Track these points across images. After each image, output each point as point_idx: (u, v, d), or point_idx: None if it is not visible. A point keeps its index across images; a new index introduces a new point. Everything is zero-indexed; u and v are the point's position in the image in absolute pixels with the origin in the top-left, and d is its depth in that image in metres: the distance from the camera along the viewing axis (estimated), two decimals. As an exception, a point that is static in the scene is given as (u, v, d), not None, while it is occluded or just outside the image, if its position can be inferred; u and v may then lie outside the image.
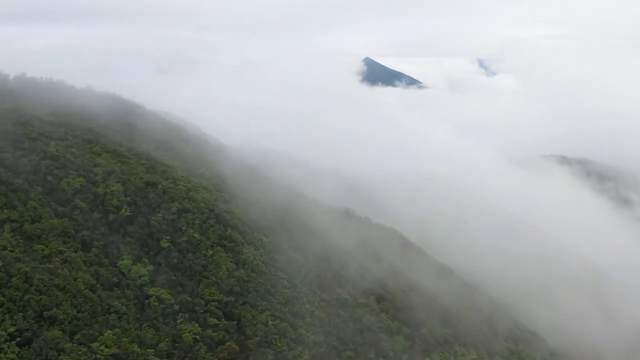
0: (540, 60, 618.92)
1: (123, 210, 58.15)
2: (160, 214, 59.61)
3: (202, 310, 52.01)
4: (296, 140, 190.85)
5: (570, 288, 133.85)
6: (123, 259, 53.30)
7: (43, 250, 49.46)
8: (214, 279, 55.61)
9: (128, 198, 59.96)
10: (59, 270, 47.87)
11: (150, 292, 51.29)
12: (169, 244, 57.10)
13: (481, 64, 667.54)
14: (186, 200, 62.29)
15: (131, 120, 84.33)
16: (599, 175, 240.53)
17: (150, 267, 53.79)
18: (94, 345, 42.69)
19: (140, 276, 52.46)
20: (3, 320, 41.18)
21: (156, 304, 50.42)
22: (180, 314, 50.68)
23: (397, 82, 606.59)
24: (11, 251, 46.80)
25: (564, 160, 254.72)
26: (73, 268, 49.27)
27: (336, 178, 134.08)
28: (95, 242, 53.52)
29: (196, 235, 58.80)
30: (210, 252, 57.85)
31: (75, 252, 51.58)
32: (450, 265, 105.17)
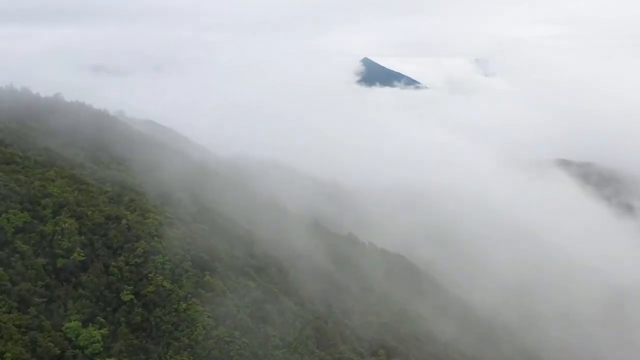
0: (540, 61, 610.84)
1: (75, 254, 47.06)
2: (123, 258, 48.55)
3: (169, 387, 41.09)
4: (288, 145, 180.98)
5: (584, 305, 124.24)
6: (71, 320, 42.27)
7: (-37, 314, 38.53)
8: (187, 341, 44.65)
9: (83, 237, 48.90)
10: (-19, 343, 36.98)
11: (104, 364, 40.31)
12: (132, 297, 46.08)
13: (480, 64, 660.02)
14: (156, 238, 51.23)
15: (103, 136, 73.11)
16: (601, 180, 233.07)
17: (106, 329, 42.76)
18: None
19: (91, 343, 41.44)
20: None
21: (110, 380, 39.49)
22: (141, 392, 39.84)
23: (395, 83, 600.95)
24: None
25: (566, 164, 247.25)
26: (1, 337, 38.37)
27: (329, 190, 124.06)
28: (36, 299, 42.54)
29: (166, 284, 47.75)
30: (184, 306, 46.81)
31: (9, 312, 40.67)
32: (450, 287, 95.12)
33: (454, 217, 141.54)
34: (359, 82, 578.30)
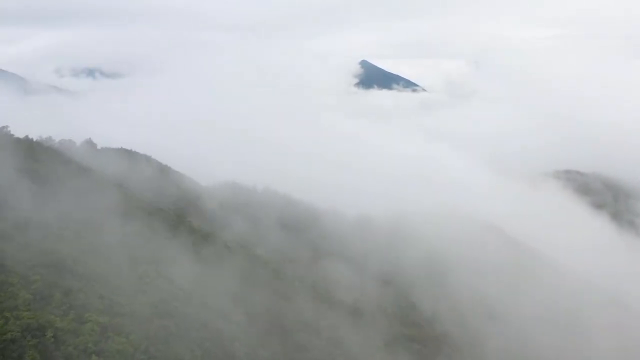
0: (540, 62, 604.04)
1: (-30, 397, 32.91)
2: (42, 395, 34.37)
3: None
4: (282, 164, 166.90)
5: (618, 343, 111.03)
6: None
7: None
8: None
9: (-15, 366, 34.66)
10: None
11: None
12: None
13: (480, 66, 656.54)
14: (94, 356, 37.00)
15: (52, 184, 58.86)
16: (605, 190, 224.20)
17: None
18: None
19: None
20: None
21: None
22: None
23: (394, 85, 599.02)
24: None
25: (567, 174, 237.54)
26: None
27: (316, 221, 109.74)
28: None
29: None
30: None
31: None
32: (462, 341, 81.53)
33: (449, 241, 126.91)
34: (357, 84, 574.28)
